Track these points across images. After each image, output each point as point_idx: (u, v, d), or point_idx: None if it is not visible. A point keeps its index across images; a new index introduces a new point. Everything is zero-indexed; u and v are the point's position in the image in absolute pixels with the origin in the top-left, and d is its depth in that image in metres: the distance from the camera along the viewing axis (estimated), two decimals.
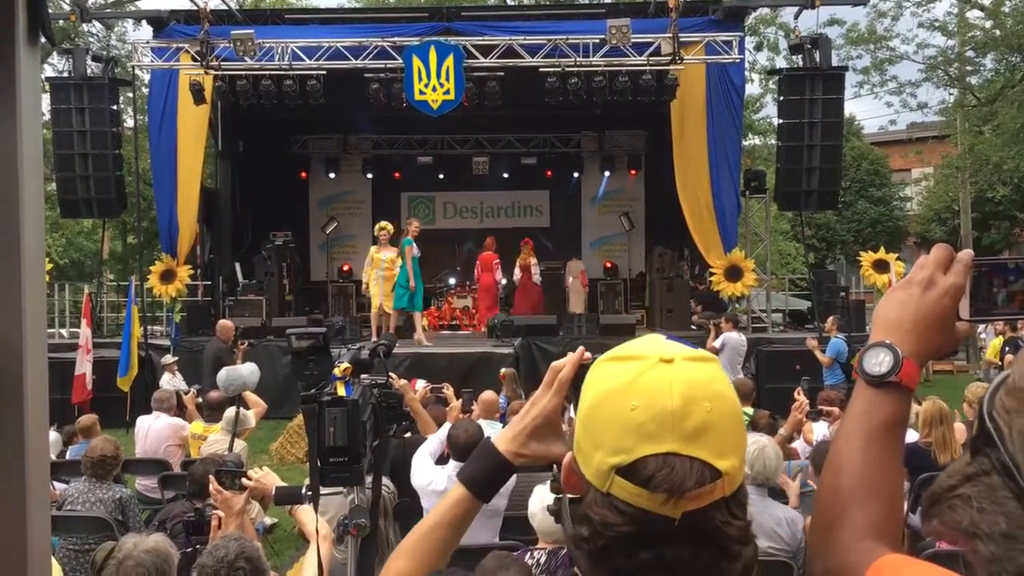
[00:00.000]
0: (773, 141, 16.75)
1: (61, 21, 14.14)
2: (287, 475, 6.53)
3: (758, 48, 21.25)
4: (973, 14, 19.30)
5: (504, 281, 14.52)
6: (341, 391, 1.78)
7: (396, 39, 12.53)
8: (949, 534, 0.78)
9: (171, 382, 9.92)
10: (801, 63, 13.19)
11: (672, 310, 13.36)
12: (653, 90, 12.55)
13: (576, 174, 17.86)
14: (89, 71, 13.00)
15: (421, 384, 5.85)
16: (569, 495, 0.99)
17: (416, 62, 12.16)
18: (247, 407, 6.23)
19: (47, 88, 12.84)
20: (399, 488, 3.34)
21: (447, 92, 12.23)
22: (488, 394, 6.22)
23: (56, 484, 5.40)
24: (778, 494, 4.25)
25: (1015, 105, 17.68)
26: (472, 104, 13.22)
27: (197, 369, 10.56)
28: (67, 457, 6.73)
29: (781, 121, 13.31)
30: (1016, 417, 0.75)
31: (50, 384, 0.84)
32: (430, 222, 17.12)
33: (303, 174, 17.68)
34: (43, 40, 0.82)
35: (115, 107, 13.41)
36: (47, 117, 12.87)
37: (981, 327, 13.95)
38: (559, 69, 12.39)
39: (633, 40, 11.94)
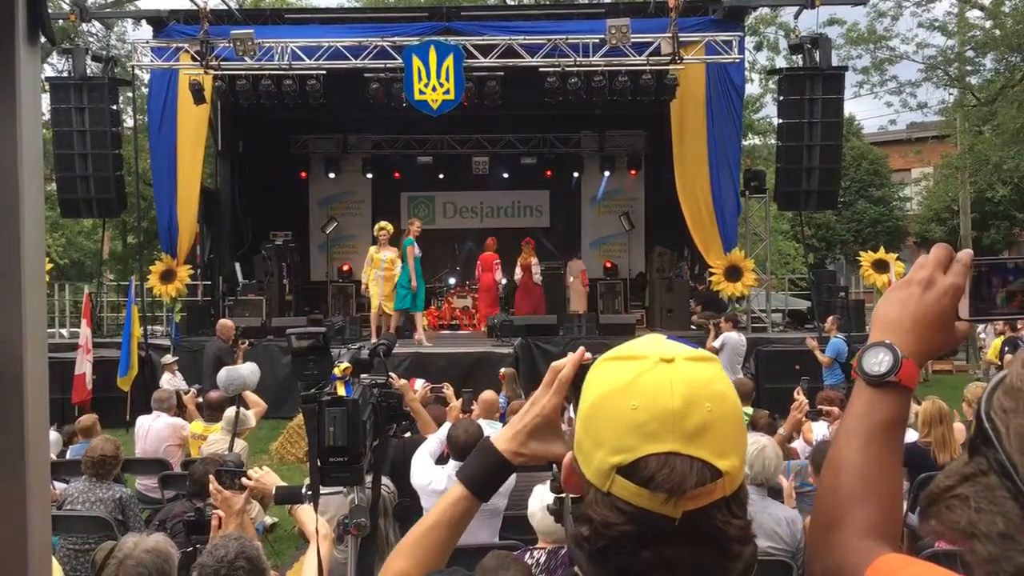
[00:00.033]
0: (773, 141, 16.75)
1: (61, 21, 14.13)
2: (287, 475, 6.54)
3: (758, 48, 21.28)
4: (973, 14, 19.34)
5: (504, 281, 14.53)
6: (341, 391, 1.78)
7: (396, 39, 12.53)
8: (947, 534, 0.78)
9: (171, 382, 9.92)
10: (801, 63, 13.19)
11: (672, 310, 13.36)
12: (653, 90, 12.55)
13: (576, 174, 17.87)
14: (89, 71, 13.00)
15: (420, 383, 5.84)
16: (570, 495, 0.99)
17: (416, 62, 12.16)
18: (247, 407, 6.24)
19: (47, 88, 12.84)
20: (399, 488, 3.34)
21: (447, 92, 12.23)
22: (488, 394, 6.23)
23: (56, 484, 5.40)
24: (778, 494, 4.25)
25: (1015, 105, 17.69)
26: (472, 104, 13.22)
27: (197, 369, 10.58)
28: (67, 457, 6.72)
29: (781, 121, 13.31)
30: (1013, 417, 0.75)
31: (50, 384, 0.84)
32: (430, 222, 17.10)
33: (303, 174, 17.68)
34: (43, 40, 0.82)
35: (115, 107, 13.41)
36: (47, 117, 12.87)
37: (981, 327, 13.96)
38: (559, 69, 12.39)
39: (633, 40, 11.94)
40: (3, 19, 0.76)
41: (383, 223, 11.89)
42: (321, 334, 1.92)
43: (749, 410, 6.61)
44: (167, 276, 13.30)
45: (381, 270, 11.54)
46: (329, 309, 15.39)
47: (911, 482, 4.60)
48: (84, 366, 10.51)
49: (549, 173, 17.60)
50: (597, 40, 12.13)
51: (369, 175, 17.61)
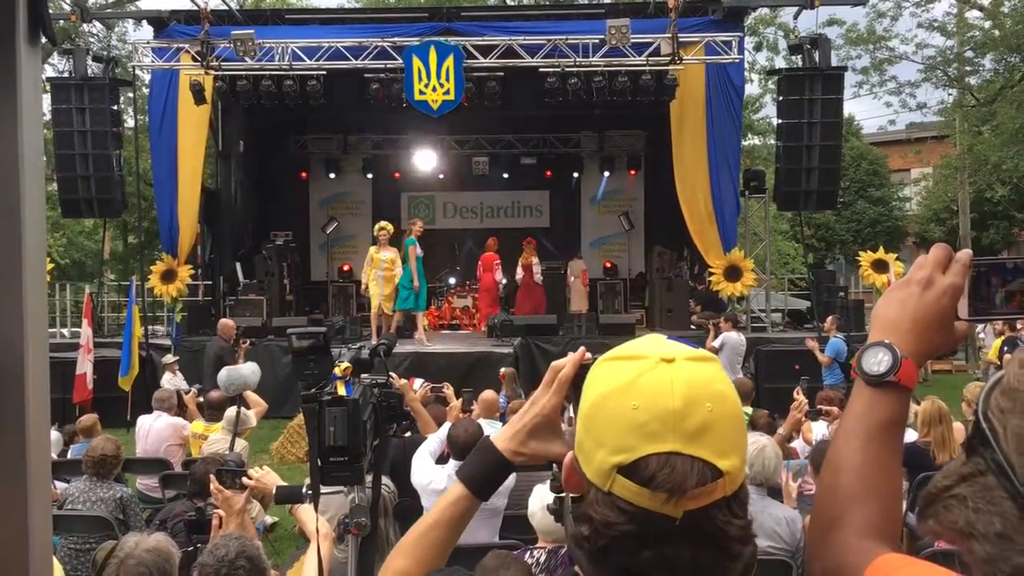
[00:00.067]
0: (772, 141, 16.75)
1: (62, 21, 14.14)
2: (287, 474, 6.54)
3: (757, 48, 21.27)
4: (972, 14, 19.34)
5: (504, 281, 14.53)
6: (341, 391, 1.78)
7: (396, 39, 12.53)
8: (945, 534, 0.78)
9: (172, 382, 9.93)
10: (800, 63, 13.19)
11: (672, 310, 13.36)
12: (652, 90, 12.56)
13: (576, 174, 17.86)
14: (90, 71, 13.00)
15: (419, 383, 5.84)
16: (570, 494, 0.99)
17: (416, 62, 12.16)
18: (248, 407, 6.24)
19: (48, 88, 12.85)
20: (399, 488, 3.35)
21: (447, 92, 12.24)
22: (488, 393, 6.23)
23: (57, 483, 5.41)
24: (777, 493, 4.25)
25: (1014, 105, 17.70)
26: (472, 104, 13.22)
27: (198, 369, 10.58)
28: (68, 456, 6.73)
29: (780, 121, 13.31)
30: (1011, 417, 0.75)
31: (51, 384, 0.84)
32: (430, 222, 17.08)
33: (303, 174, 17.68)
34: (44, 40, 0.82)
35: (116, 107, 13.42)
36: (48, 117, 12.88)
37: (981, 328, 13.96)
38: (559, 69, 12.40)
39: (632, 40, 11.95)
40: (4, 19, 0.76)
41: (383, 223, 11.89)
42: (321, 334, 1.92)
43: (749, 410, 6.61)
44: (168, 276, 13.31)
45: (381, 270, 11.54)
46: (329, 309, 15.39)
47: (910, 482, 4.60)
48: (85, 366, 10.51)
49: (549, 173, 17.59)
50: (597, 40, 12.14)
51: (369, 175, 17.60)
